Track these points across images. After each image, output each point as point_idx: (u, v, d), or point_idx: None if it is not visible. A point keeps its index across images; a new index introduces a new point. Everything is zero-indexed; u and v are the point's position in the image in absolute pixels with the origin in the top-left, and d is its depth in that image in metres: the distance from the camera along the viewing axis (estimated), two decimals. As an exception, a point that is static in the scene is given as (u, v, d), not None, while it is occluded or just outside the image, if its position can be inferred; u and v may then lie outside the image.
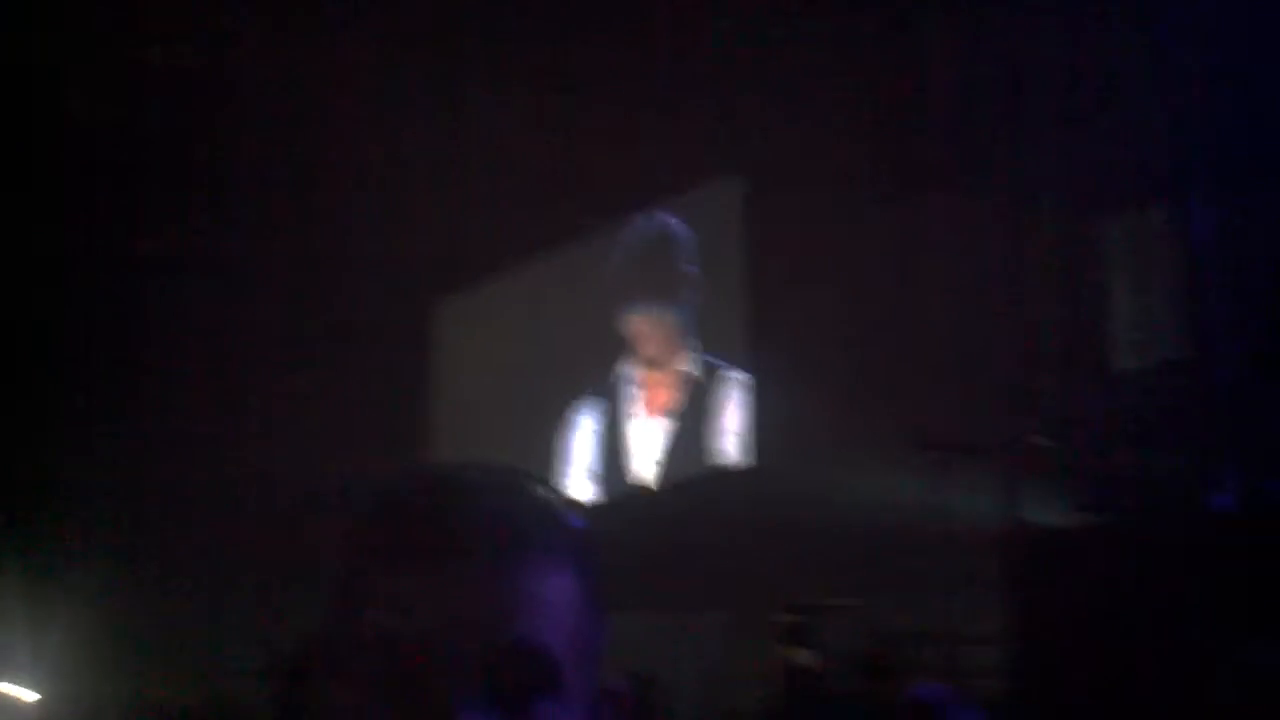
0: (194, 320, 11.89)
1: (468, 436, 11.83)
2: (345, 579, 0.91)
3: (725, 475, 9.92)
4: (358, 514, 0.93)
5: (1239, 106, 7.51)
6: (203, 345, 12.05)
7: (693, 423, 10.67)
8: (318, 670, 1.72)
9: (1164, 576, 6.27)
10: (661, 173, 10.80)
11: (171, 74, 10.82)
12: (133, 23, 10.50)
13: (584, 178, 10.98)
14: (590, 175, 10.95)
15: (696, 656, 9.08)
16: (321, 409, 11.77)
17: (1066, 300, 8.07)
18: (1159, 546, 6.50)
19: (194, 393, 12.05)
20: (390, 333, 12.24)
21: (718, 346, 10.64)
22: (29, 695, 11.05)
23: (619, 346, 11.29)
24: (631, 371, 11.25)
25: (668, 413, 10.93)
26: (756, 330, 9.97)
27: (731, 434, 10.34)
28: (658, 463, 10.92)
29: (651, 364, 11.14)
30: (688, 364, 10.85)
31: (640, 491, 10.87)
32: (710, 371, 10.63)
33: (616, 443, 11.23)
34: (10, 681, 11.08)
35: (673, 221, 11.21)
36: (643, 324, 11.22)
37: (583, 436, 11.51)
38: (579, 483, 11.27)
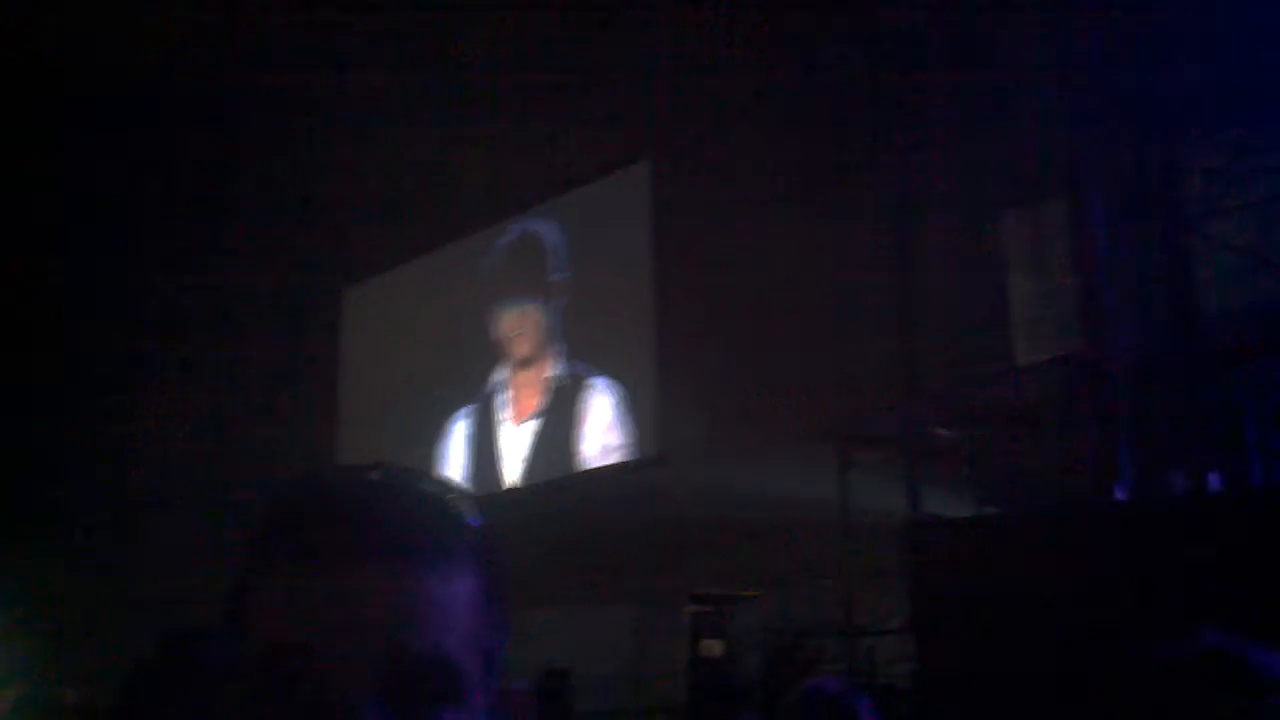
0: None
1: (368, 436, 11.82)
2: (239, 585, 0.90)
3: (631, 469, 9.94)
4: (252, 518, 0.91)
5: (1132, 103, 7.66)
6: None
7: (558, 427, 10.79)
8: (166, 676, 1.67)
9: (1063, 567, 6.38)
10: (567, 163, 10.78)
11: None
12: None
13: (481, 173, 10.96)
14: (489, 171, 10.93)
15: (608, 649, 9.09)
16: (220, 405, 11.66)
17: (966, 293, 8.18)
18: (1058, 537, 6.60)
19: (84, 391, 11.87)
20: (292, 324, 12.13)
21: (585, 353, 10.76)
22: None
23: (497, 352, 11.43)
24: (504, 376, 11.36)
25: (535, 416, 11.04)
26: (661, 322, 9.98)
27: (596, 438, 10.46)
28: (524, 466, 11.02)
29: (522, 365, 11.25)
30: (554, 368, 10.97)
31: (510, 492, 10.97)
32: (576, 378, 10.75)
33: (488, 448, 11.29)
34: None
35: (545, 227, 11.32)
36: (511, 321, 11.36)
37: (456, 444, 11.59)
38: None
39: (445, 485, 0.95)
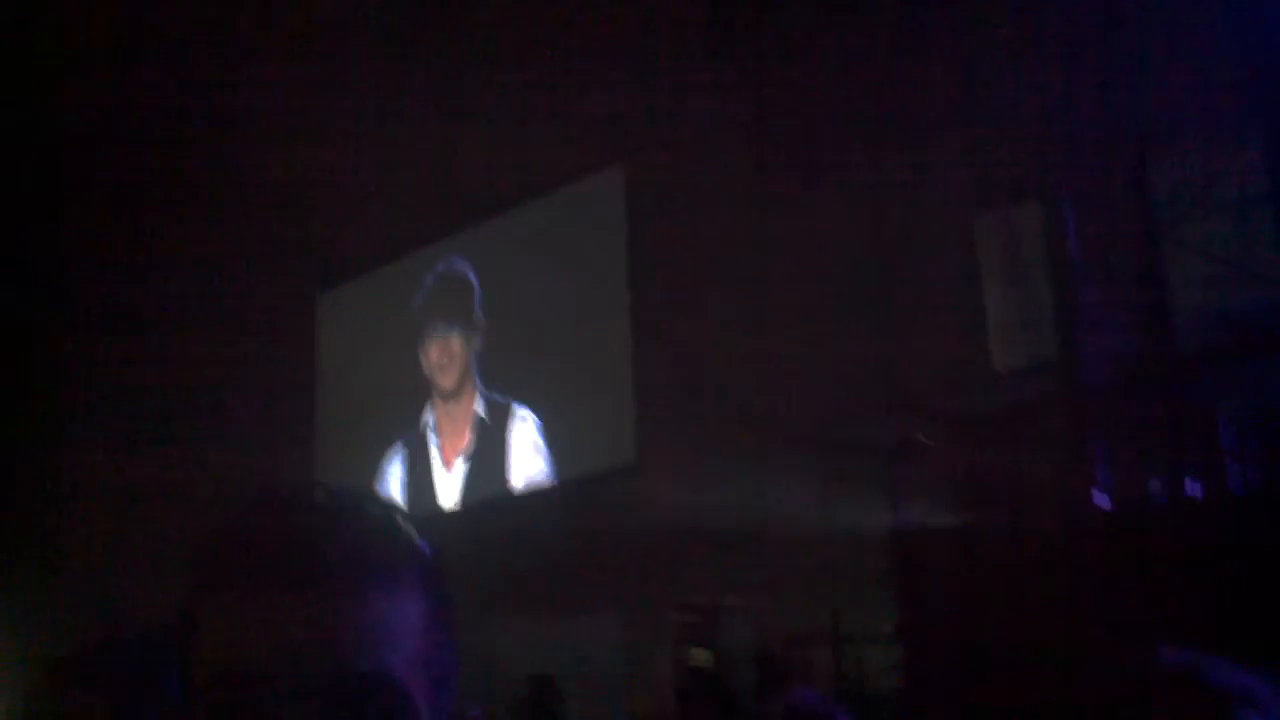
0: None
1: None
2: (186, 608, 0.89)
3: (614, 478, 9.98)
4: (201, 539, 0.90)
5: (1104, 107, 7.70)
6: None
7: (487, 460, 10.97)
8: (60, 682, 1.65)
9: (1045, 574, 6.45)
10: (541, 166, 10.75)
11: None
12: None
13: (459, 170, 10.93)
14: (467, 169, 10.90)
15: (595, 659, 9.14)
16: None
17: (944, 299, 8.22)
18: (1040, 544, 6.67)
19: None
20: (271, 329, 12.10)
21: (503, 381, 10.98)
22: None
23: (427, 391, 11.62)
24: (433, 415, 11.54)
25: (463, 453, 11.22)
26: (638, 326, 10.00)
27: (523, 467, 10.66)
28: (459, 500, 11.19)
29: (448, 398, 11.42)
30: (477, 403, 11.16)
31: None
32: (497, 408, 10.93)
33: (422, 487, 11.44)
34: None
35: (465, 268, 11.51)
36: (436, 350, 11.56)
37: (393, 486, 11.71)
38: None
39: (392, 507, 0.94)
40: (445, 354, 11.52)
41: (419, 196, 11.16)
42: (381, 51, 10.60)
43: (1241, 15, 7.09)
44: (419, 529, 0.93)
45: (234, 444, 11.31)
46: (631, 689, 9.03)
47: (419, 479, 11.48)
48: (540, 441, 10.51)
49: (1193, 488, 6.66)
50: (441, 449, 11.43)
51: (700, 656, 8.01)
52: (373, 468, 11.76)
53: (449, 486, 11.27)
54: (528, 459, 10.61)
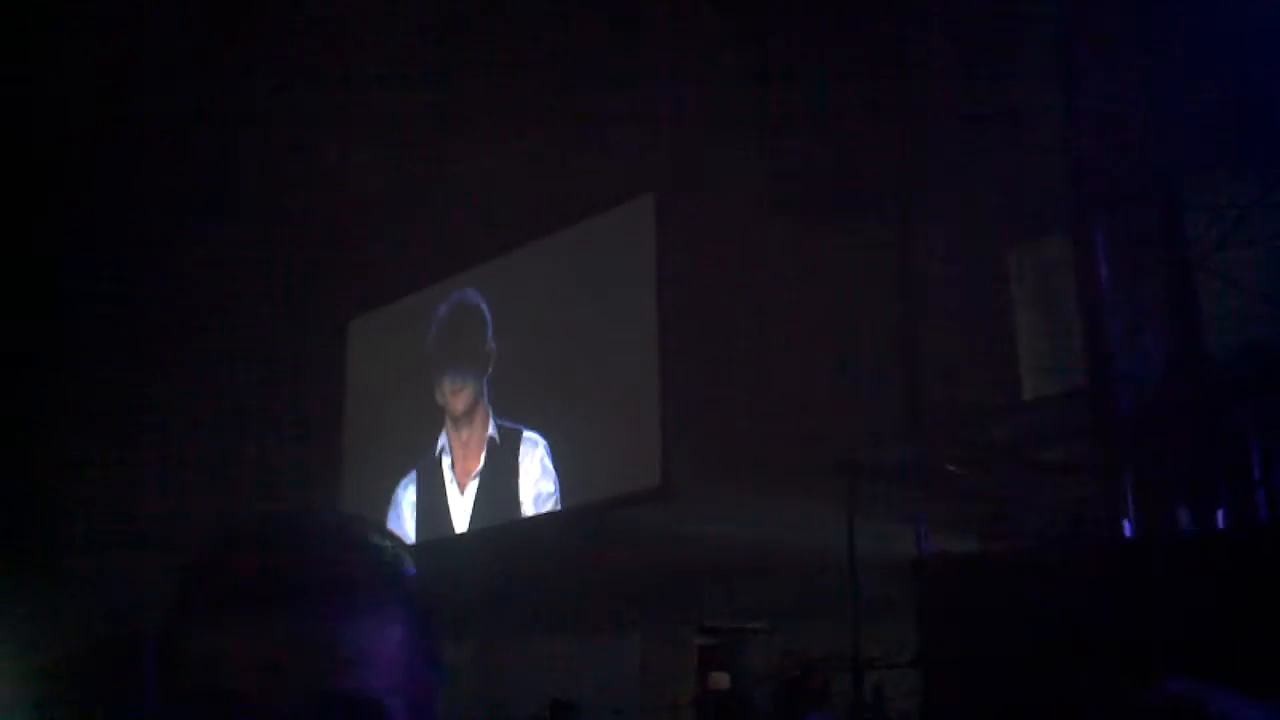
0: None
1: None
2: (171, 632, 0.90)
3: (636, 501, 9.96)
4: (185, 564, 0.91)
5: (1137, 136, 7.69)
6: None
7: (496, 485, 11.05)
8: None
9: (1071, 603, 6.39)
10: (575, 194, 10.80)
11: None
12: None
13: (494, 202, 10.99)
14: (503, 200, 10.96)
15: (616, 681, 9.10)
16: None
17: (971, 327, 8.20)
18: (1066, 573, 6.61)
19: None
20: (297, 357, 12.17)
21: (515, 408, 11.07)
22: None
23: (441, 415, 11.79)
24: (446, 439, 11.66)
25: (475, 476, 11.30)
26: (665, 350, 9.99)
27: (532, 492, 10.67)
28: (470, 525, 11.24)
29: (460, 423, 11.58)
30: (489, 428, 11.26)
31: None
32: (508, 432, 10.99)
33: (436, 513, 11.55)
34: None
35: (476, 299, 11.70)
36: (449, 378, 11.80)
37: (406, 511, 11.82)
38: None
39: (379, 531, 0.95)
40: (457, 381, 11.70)
41: (448, 226, 11.22)
42: (420, 83, 10.65)
43: (1273, 45, 7.08)
44: (406, 553, 0.94)
45: (256, 468, 11.36)
46: (651, 712, 8.97)
47: (434, 502, 11.56)
48: (550, 464, 10.52)
49: (1221, 518, 6.60)
50: (455, 472, 11.49)
51: (720, 680, 7.96)
52: (391, 491, 11.83)
53: (462, 509, 11.34)
54: (538, 482, 10.62)
